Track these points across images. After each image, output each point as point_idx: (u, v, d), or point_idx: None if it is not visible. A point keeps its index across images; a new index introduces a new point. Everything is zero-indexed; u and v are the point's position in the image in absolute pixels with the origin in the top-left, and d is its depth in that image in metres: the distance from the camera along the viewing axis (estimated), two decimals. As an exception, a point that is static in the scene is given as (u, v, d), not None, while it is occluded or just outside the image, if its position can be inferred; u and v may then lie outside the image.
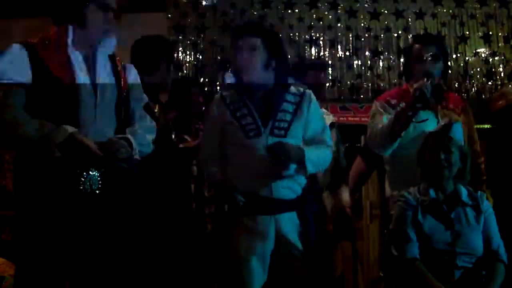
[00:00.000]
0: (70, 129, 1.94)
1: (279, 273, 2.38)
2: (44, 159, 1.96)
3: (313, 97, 2.53)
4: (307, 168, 2.38)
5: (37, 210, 1.98)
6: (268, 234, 2.35)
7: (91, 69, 2.09)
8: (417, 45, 2.86)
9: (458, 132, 2.64)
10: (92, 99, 2.06)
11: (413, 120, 2.66)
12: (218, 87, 5.23)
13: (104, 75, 2.12)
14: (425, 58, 2.77)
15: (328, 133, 2.56)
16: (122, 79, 2.18)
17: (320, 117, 2.56)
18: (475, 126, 3.03)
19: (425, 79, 2.62)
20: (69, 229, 1.99)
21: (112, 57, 2.18)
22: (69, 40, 2.06)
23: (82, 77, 2.05)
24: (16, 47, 2.02)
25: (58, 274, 2.00)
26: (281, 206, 2.37)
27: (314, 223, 2.49)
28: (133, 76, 2.26)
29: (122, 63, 2.25)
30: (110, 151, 1.99)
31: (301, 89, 2.51)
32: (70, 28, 2.07)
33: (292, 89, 2.50)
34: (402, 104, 2.71)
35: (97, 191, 2.02)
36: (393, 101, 2.81)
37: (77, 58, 2.07)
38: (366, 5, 5.35)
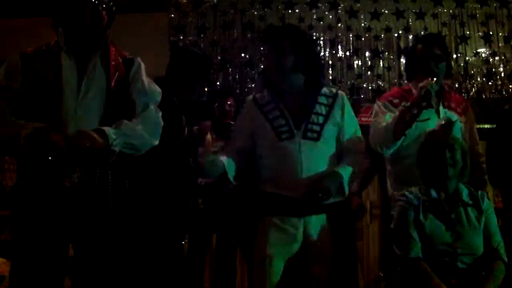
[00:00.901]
0: (37, 124, 1.98)
1: (303, 276, 2.37)
2: (42, 158, 1.98)
3: (346, 98, 2.52)
4: (345, 190, 2.38)
5: (33, 209, 2.02)
6: (296, 236, 2.33)
7: (81, 68, 2.10)
8: (420, 45, 2.86)
9: (457, 130, 2.65)
10: (75, 95, 2.07)
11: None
12: (218, 87, 5.23)
13: (94, 72, 2.12)
14: (428, 58, 2.78)
15: (359, 135, 2.54)
16: (115, 74, 2.16)
17: (353, 120, 2.54)
18: (476, 126, 3.04)
19: (430, 78, 2.63)
20: (60, 225, 2.02)
21: (105, 53, 2.18)
22: (62, 42, 2.10)
23: (69, 75, 2.08)
24: (12, 58, 2.10)
25: (54, 272, 2.01)
26: (310, 209, 2.34)
27: (347, 227, 2.44)
28: (135, 69, 2.24)
29: (129, 56, 2.25)
30: (74, 143, 1.97)
31: (334, 90, 2.50)
32: (63, 30, 2.10)
33: (325, 90, 2.48)
34: (405, 104, 2.71)
35: (82, 187, 2.02)
36: (396, 101, 2.81)
37: (68, 58, 2.10)
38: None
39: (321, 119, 2.41)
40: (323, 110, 2.43)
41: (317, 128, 2.39)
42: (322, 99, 2.45)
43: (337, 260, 2.34)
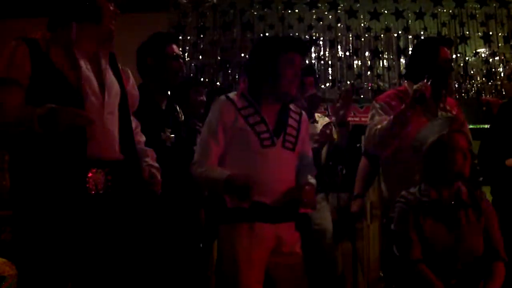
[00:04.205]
0: (54, 105, 1.85)
1: (275, 279, 2.38)
2: (44, 158, 1.93)
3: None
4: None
5: (38, 211, 1.93)
6: (268, 241, 2.34)
7: (96, 68, 2.05)
8: (447, 49, 2.89)
9: None
10: (100, 97, 2.02)
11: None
12: (219, 87, 5.23)
13: (108, 74, 2.09)
14: (449, 66, 2.84)
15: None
16: (123, 79, 2.16)
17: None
18: (475, 126, 3.05)
19: (425, 80, 2.63)
20: (71, 229, 1.95)
21: (112, 56, 2.16)
22: (74, 38, 2.01)
23: (88, 75, 2.01)
24: (16, 43, 1.97)
25: (60, 275, 1.98)
26: (284, 216, 2.37)
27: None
28: (131, 81, 2.24)
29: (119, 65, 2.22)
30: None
31: (298, 108, 2.56)
32: (74, 26, 2.01)
33: (291, 105, 2.52)
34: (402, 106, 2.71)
35: (102, 191, 1.99)
36: (393, 103, 2.81)
37: (82, 56, 2.02)
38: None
39: (294, 132, 2.45)
40: (295, 123, 2.47)
41: (292, 139, 2.43)
42: (292, 114, 2.49)
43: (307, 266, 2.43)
